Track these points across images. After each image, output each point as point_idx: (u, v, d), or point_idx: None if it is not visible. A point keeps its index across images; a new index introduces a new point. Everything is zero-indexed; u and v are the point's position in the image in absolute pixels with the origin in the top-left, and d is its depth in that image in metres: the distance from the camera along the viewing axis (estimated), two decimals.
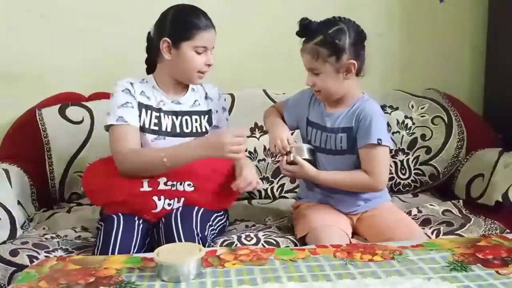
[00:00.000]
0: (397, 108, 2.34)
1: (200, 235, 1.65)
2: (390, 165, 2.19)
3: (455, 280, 1.25)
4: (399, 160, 2.29)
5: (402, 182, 2.29)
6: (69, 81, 2.41)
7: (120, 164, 1.72)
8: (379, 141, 1.71)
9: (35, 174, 2.16)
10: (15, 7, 2.37)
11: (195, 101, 1.89)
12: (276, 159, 2.20)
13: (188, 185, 1.75)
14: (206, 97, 1.93)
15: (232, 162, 1.81)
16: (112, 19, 2.41)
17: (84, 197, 2.18)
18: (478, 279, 1.25)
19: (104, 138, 2.16)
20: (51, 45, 2.41)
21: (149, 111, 1.79)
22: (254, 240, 1.74)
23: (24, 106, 2.31)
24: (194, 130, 1.85)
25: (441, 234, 1.82)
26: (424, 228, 1.85)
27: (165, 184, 1.73)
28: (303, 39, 1.73)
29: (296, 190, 2.12)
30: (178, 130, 1.82)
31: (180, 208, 1.72)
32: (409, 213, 1.98)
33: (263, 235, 1.78)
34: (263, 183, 2.22)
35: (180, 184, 1.74)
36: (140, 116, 1.78)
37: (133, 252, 1.61)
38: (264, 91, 2.38)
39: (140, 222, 1.71)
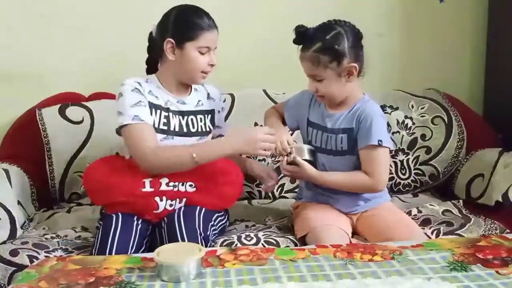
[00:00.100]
0: (397, 108, 2.34)
1: (202, 235, 1.65)
2: (390, 165, 2.19)
3: (455, 280, 1.25)
4: (399, 160, 2.29)
5: (402, 182, 2.29)
6: (69, 81, 2.41)
7: (145, 163, 1.70)
8: (379, 142, 1.71)
9: (35, 174, 2.16)
10: (15, 7, 2.37)
11: (199, 101, 1.90)
12: (276, 159, 2.20)
13: (190, 185, 1.75)
14: (208, 97, 1.94)
15: (233, 162, 1.82)
16: (112, 19, 2.41)
17: (84, 197, 2.18)
18: (478, 279, 1.25)
19: (104, 138, 2.18)
20: (51, 45, 2.41)
21: (158, 111, 1.79)
22: (254, 240, 1.74)
23: (24, 106, 2.31)
24: (199, 130, 1.86)
25: (441, 234, 1.82)
26: (424, 228, 1.85)
27: (167, 184, 1.73)
28: (300, 46, 1.72)
29: (296, 190, 2.12)
30: (185, 130, 1.83)
31: (183, 208, 1.73)
32: (409, 213, 1.98)
33: (263, 235, 1.78)
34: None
35: (182, 185, 1.74)
36: (150, 115, 1.77)
37: (130, 252, 1.61)
38: (264, 91, 2.38)
39: (139, 222, 1.71)
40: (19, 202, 1.96)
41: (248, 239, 1.75)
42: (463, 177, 2.24)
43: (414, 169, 2.29)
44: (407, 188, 2.30)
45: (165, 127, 1.79)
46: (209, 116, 1.92)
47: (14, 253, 1.64)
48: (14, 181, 1.99)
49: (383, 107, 2.16)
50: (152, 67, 1.89)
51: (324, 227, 1.71)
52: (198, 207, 1.74)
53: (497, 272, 1.28)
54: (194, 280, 1.28)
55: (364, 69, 1.75)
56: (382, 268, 1.32)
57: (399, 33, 2.61)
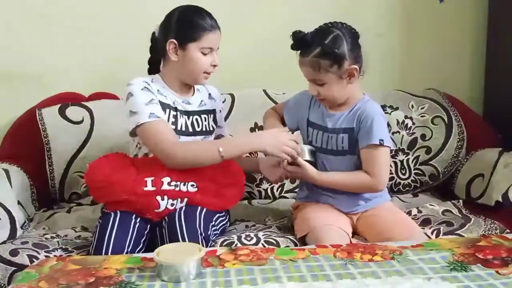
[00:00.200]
0: (397, 108, 2.34)
1: (203, 235, 1.65)
2: (390, 165, 2.19)
3: (455, 280, 1.25)
4: (399, 160, 2.29)
5: (402, 182, 2.29)
6: (69, 81, 2.41)
7: (169, 159, 1.71)
8: (381, 141, 1.71)
9: (35, 174, 2.16)
10: (15, 7, 2.37)
11: (201, 101, 1.91)
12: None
13: (192, 185, 1.75)
14: (210, 97, 1.95)
15: (236, 163, 1.82)
16: (112, 19, 2.41)
17: (84, 197, 2.18)
18: (478, 279, 1.25)
19: (104, 138, 2.18)
20: (51, 45, 2.41)
21: (167, 110, 1.80)
22: (254, 240, 1.74)
23: (24, 106, 2.31)
24: (203, 129, 1.88)
25: (441, 234, 1.82)
26: (424, 228, 1.85)
27: (169, 184, 1.73)
28: (299, 51, 1.72)
29: (296, 190, 2.12)
30: (190, 129, 1.84)
31: (184, 208, 1.73)
32: (409, 213, 1.98)
33: (263, 235, 1.78)
34: (263, 183, 2.23)
35: (184, 185, 1.74)
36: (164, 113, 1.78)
37: (127, 250, 1.61)
38: (264, 91, 2.38)
39: (137, 220, 1.71)
40: (19, 202, 1.96)
41: (248, 239, 1.75)
42: (463, 177, 2.24)
43: (414, 169, 2.29)
44: (407, 188, 2.30)
45: (173, 126, 1.80)
46: (212, 115, 1.93)
47: (14, 253, 1.64)
48: (14, 181, 2.00)
49: (383, 107, 2.16)
50: (154, 67, 1.89)
51: (324, 227, 1.71)
52: (199, 207, 1.74)
53: (497, 272, 1.28)
54: (194, 280, 1.28)
55: (363, 69, 1.75)
56: (382, 268, 1.32)
57: (399, 33, 2.60)
